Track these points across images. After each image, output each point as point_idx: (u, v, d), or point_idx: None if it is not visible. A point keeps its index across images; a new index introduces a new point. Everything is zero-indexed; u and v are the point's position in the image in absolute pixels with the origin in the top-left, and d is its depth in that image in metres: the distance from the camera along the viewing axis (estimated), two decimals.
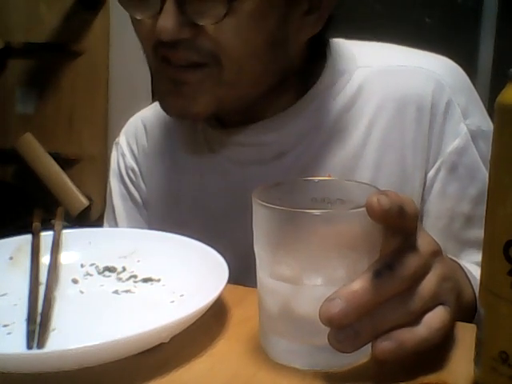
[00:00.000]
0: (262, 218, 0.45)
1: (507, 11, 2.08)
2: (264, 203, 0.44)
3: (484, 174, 0.72)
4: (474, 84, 0.77)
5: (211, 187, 0.79)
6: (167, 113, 0.69)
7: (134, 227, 0.85)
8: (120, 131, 0.91)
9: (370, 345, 0.44)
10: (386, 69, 0.75)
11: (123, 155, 0.88)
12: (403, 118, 0.72)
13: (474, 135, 0.72)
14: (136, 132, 0.87)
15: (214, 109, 0.67)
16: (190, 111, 0.67)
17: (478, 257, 0.45)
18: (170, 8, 0.60)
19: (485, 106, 0.76)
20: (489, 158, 0.40)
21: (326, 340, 0.42)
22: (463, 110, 0.73)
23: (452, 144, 0.72)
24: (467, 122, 0.72)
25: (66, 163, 2.34)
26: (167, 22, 0.60)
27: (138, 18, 0.64)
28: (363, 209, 0.42)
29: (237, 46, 0.63)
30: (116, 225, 0.87)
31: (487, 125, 0.74)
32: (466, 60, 0.77)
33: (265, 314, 0.47)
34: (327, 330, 0.43)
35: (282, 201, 0.44)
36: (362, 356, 0.45)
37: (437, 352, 0.48)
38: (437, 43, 0.86)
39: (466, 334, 0.48)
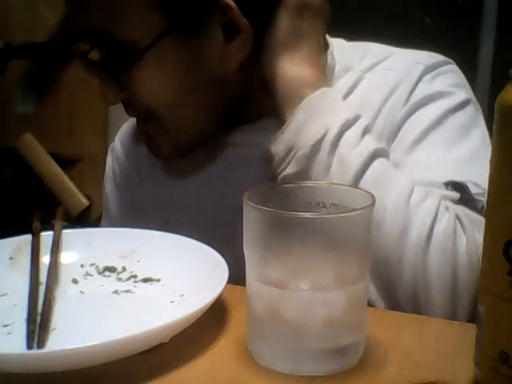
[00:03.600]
0: (251, 220, 0.45)
1: (507, 11, 2.08)
2: (254, 204, 0.44)
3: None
4: (474, 84, 0.77)
5: (205, 189, 0.79)
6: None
7: None
8: (120, 131, 0.90)
9: (357, 352, 0.45)
10: (373, 71, 0.75)
11: (118, 159, 0.88)
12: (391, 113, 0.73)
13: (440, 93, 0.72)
14: (131, 136, 0.87)
15: (177, 151, 0.74)
16: (159, 155, 0.76)
17: None
18: (102, 79, 0.69)
19: (485, 106, 0.76)
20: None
21: (311, 345, 0.42)
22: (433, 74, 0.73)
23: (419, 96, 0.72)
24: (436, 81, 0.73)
25: (65, 163, 2.33)
26: (103, 90, 0.69)
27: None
28: (352, 213, 0.42)
29: (161, 101, 0.68)
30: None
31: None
32: (466, 60, 0.77)
33: (252, 317, 0.47)
34: (312, 334, 0.43)
35: (276, 204, 0.44)
36: (347, 362, 0.45)
37: (437, 352, 0.48)
38: (437, 43, 0.86)
39: (466, 333, 0.48)
